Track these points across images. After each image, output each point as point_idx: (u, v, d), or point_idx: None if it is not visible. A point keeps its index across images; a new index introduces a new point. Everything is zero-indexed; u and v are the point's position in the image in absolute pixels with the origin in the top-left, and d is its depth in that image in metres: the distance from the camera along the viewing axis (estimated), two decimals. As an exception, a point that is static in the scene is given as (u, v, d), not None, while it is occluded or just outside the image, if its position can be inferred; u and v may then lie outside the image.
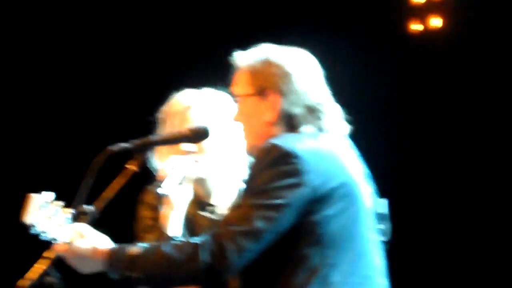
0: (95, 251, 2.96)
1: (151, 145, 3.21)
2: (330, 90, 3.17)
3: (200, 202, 3.79)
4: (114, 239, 3.78)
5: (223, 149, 3.73)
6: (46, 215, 2.88)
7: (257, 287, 2.96)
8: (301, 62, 3.13)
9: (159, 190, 3.51)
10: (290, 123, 3.07)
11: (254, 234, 2.86)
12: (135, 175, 3.11)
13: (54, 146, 6.53)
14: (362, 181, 3.07)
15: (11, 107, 6.44)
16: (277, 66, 3.09)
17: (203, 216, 3.77)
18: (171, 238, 3.56)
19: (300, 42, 3.21)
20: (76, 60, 6.48)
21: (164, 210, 3.60)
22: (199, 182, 3.74)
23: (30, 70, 6.45)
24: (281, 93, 3.07)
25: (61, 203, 2.92)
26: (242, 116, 3.18)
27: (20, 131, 6.49)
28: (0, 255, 6.33)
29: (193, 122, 3.71)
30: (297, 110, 3.06)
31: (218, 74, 3.34)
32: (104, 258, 2.95)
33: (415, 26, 6.91)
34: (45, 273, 2.91)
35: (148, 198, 3.77)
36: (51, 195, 2.90)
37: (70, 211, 2.94)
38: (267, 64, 3.10)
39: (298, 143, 2.96)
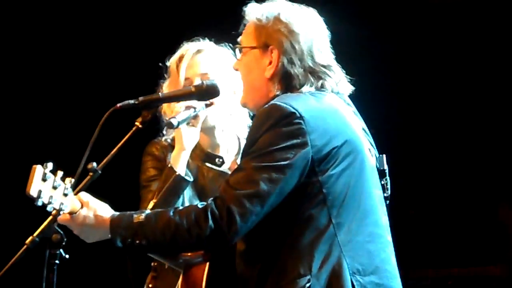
0: (99, 220, 2.97)
1: (158, 102, 3.18)
2: (335, 50, 3.16)
3: (207, 154, 3.80)
4: (120, 193, 3.78)
5: (229, 99, 3.75)
6: (50, 185, 2.87)
7: (264, 249, 2.95)
8: (309, 23, 3.12)
9: (172, 121, 3.53)
10: (288, 82, 3.06)
11: (259, 197, 2.85)
12: (139, 131, 3.09)
13: (59, 106, 6.50)
14: (364, 139, 3.06)
15: (13, 71, 6.40)
16: (284, 24, 3.08)
17: (211, 168, 3.78)
18: (179, 177, 3.59)
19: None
20: (85, 14, 6.43)
21: (174, 150, 3.65)
22: (207, 131, 3.77)
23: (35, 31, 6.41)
24: (283, 51, 3.06)
25: (61, 172, 2.91)
26: (243, 66, 3.18)
27: (22, 93, 6.46)
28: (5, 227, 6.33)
29: (202, 66, 3.73)
30: (296, 70, 3.05)
31: (230, 28, 3.35)
32: (108, 226, 2.95)
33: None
34: (49, 228, 2.90)
35: (153, 149, 3.80)
36: (51, 165, 2.88)
37: (71, 180, 2.93)
38: (275, 20, 3.09)
39: (300, 103, 2.94)
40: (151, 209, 3.49)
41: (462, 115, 6.82)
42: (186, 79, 3.72)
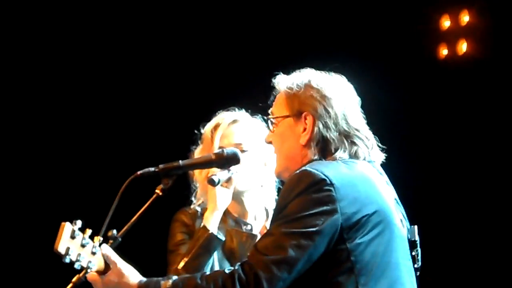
0: (128, 282, 2.96)
1: (178, 169, 3.19)
2: (363, 115, 3.17)
3: (236, 220, 3.82)
4: (145, 259, 3.78)
5: (259, 168, 3.80)
6: (79, 243, 2.87)
7: None
8: (340, 88, 3.12)
9: (214, 178, 3.59)
10: (324, 147, 3.05)
11: (287, 263, 2.82)
12: (159, 199, 3.10)
13: (83, 169, 6.53)
14: (395, 208, 3.04)
15: (43, 128, 6.45)
16: (316, 90, 3.09)
17: (241, 232, 3.80)
18: (212, 235, 3.60)
19: (331, 69, 3.22)
20: (113, 82, 6.49)
21: (207, 211, 3.68)
22: (237, 197, 3.79)
23: (64, 100, 6.46)
24: (317, 116, 3.05)
25: (90, 230, 2.92)
26: (277, 137, 3.16)
27: (49, 154, 6.50)
28: (30, 281, 6.33)
29: (236, 136, 3.78)
30: (332, 134, 3.05)
31: (258, 99, 3.39)
32: None
33: (445, 51, 6.89)
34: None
35: (181, 216, 3.83)
36: (80, 223, 2.89)
37: (99, 239, 2.94)
38: (306, 87, 3.10)
39: (331, 170, 2.92)
40: (182, 267, 3.51)
41: (479, 180, 6.80)
42: (219, 148, 3.73)
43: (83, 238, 2.87)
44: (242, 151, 3.65)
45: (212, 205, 3.70)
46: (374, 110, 3.23)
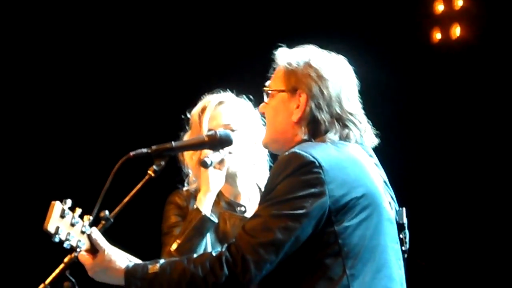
0: (116, 267, 2.96)
1: (171, 150, 3.18)
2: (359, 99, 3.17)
3: (229, 202, 3.82)
4: (138, 241, 3.76)
5: (250, 147, 3.80)
6: (68, 222, 2.87)
7: None
8: (338, 70, 3.11)
9: (206, 160, 3.61)
10: (315, 128, 3.05)
11: (274, 245, 2.83)
12: (152, 180, 3.09)
13: (74, 150, 6.52)
14: (383, 191, 3.05)
15: (33, 110, 6.43)
16: (314, 69, 3.08)
17: (233, 214, 3.80)
18: (205, 217, 3.61)
19: (326, 49, 3.21)
20: (105, 65, 6.47)
21: (200, 193, 3.68)
22: (229, 179, 3.79)
23: (57, 82, 6.44)
24: (311, 95, 3.05)
25: (80, 209, 2.91)
26: (271, 109, 3.16)
27: (40, 135, 6.48)
28: (20, 261, 6.32)
29: (224, 117, 3.77)
30: (323, 116, 3.05)
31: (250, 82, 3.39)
32: (123, 275, 2.94)
33: (438, 35, 6.88)
34: (62, 277, 2.89)
35: (175, 198, 3.83)
36: (70, 202, 2.88)
37: (89, 218, 2.93)
38: (305, 65, 3.10)
39: (320, 152, 2.93)
40: (175, 249, 3.52)
41: (472, 163, 6.81)
42: (208, 130, 3.73)
43: (73, 217, 2.87)
44: (232, 130, 3.65)
45: (205, 187, 3.70)
46: (367, 91, 3.22)
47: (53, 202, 2.84)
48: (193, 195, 3.80)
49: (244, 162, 3.81)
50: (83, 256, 2.94)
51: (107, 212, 2.96)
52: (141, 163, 3.12)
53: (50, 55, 6.38)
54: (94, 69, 6.45)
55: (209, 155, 3.64)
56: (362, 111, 3.13)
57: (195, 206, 3.68)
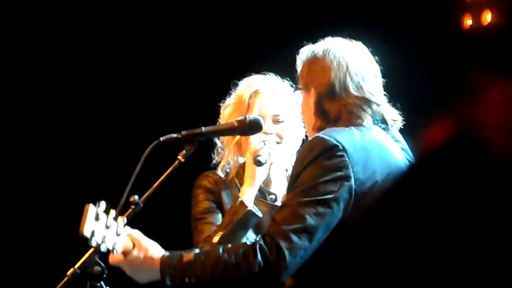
0: (149, 260, 2.99)
1: (201, 136, 3.19)
2: (384, 84, 3.14)
3: (260, 189, 3.81)
4: (166, 226, 3.75)
5: (293, 139, 3.79)
6: (103, 225, 2.86)
7: (312, 285, 2.93)
8: (353, 57, 3.12)
9: (261, 159, 3.60)
10: (326, 117, 3.09)
11: (307, 231, 2.84)
12: (181, 165, 3.09)
13: (106, 141, 6.51)
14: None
15: (63, 106, 6.42)
16: (319, 63, 3.13)
17: (265, 203, 3.79)
18: (251, 212, 3.60)
19: (354, 37, 3.20)
20: (135, 51, 6.45)
21: (244, 186, 3.66)
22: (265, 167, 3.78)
23: (87, 69, 6.43)
24: (317, 89, 3.10)
25: (114, 211, 2.91)
26: (301, 107, 3.25)
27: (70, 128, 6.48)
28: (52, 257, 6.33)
29: (275, 107, 3.76)
30: (329, 106, 3.06)
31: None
32: (158, 266, 2.96)
33: (469, 21, 6.81)
34: (91, 262, 2.90)
35: (205, 182, 3.82)
36: (104, 204, 2.88)
37: (124, 219, 2.93)
38: (313, 60, 3.15)
39: (343, 136, 2.94)
40: (218, 241, 3.53)
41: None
42: (258, 115, 3.72)
43: (107, 220, 2.86)
44: (279, 122, 3.66)
45: (250, 181, 3.70)
46: (396, 78, 3.20)
47: (87, 205, 2.84)
48: (224, 181, 3.79)
49: (285, 154, 3.80)
50: (116, 257, 2.96)
51: (136, 197, 2.96)
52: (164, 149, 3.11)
53: (78, 46, 6.38)
54: (128, 53, 6.43)
55: (261, 153, 3.63)
56: (382, 94, 3.13)
57: (239, 199, 3.66)
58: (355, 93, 3.07)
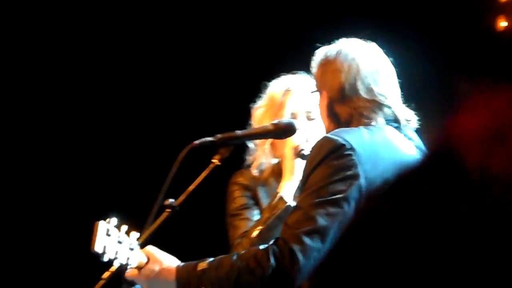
0: (165, 273, 2.97)
1: (235, 139, 3.17)
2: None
3: (298, 186, 3.78)
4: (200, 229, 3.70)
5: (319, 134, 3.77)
6: (115, 240, 2.84)
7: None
8: (364, 59, 3.11)
9: (304, 152, 3.55)
10: (337, 121, 3.07)
11: (319, 233, 2.82)
12: (217, 168, 3.07)
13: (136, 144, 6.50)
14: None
15: (94, 104, 6.42)
16: (331, 66, 3.10)
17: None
18: (290, 207, 3.57)
19: (382, 36, 3.17)
20: (165, 52, 6.44)
21: (283, 181, 3.64)
22: None
23: (118, 70, 6.42)
24: (328, 91, 3.09)
25: (126, 226, 2.88)
26: (319, 110, 3.23)
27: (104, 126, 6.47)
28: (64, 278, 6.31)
29: (308, 104, 3.74)
30: (340, 109, 3.05)
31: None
32: (174, 277, 2.95)
33: (503, 23, 6.74)
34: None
35: (240, 179, 3.79)
36: (115, 220, 2.85)
37: (136, 234, 2.91)
38: (325, 63, 3.13)
39: (351, 135, 2.93)
40: (257, 235, 3.48)
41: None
42: (291, 114, 3.71)
43: (119, 235, 2.83)
44: (310, 119, 3.64)
45: (289, 175, 3.66)
46: (426, 80, 3.16)
47: (96, 222, 2.81)
48: (259, 178, 3.77)
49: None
50: (133, 272, 2.94)
51: (172, 200, 2.94)
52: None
53: (101, 47, 6.38)
54: (158, 55, 6.42)
55: (303, 147, 3.61)
56: (395, 96, 3.08)
57: (278, 195, 3.63)
58: (366, 96, 3.03)
